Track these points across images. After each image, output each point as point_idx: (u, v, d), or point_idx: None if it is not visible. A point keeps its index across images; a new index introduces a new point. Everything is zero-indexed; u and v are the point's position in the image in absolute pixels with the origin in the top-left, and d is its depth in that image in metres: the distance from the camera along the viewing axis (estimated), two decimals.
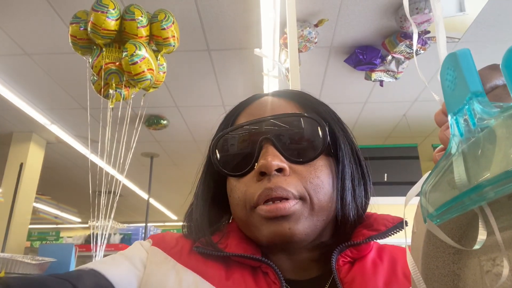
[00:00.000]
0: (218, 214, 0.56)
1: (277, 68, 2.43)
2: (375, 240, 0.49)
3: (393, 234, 0.49)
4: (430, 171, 0.28)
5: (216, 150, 0.52)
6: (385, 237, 0.49)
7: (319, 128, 0.49)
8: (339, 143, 0.51)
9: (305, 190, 0.46)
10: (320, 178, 0.48)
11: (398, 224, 0.49)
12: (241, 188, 0.49)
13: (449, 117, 0.26)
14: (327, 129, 0.49)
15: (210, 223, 0.54)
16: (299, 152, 0.48)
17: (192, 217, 0.55)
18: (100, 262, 0.47)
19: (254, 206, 0.47)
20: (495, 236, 0.25)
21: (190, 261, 0.49)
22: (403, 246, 0.51)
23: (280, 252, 0.50)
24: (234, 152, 0.51)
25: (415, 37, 0.48)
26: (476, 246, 0.26)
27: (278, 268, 0.47)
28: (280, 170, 0.46)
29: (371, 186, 0.54)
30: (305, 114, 0.51)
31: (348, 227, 0.50)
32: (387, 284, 0.46)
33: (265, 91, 2.95)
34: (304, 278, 0.49)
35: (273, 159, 0.46)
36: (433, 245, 0.30)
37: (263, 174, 0.47)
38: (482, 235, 0.26)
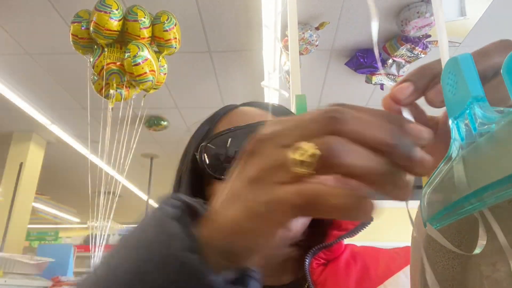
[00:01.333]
0: None
1: (277, 72, 2.43)
2: (345, 239, 0.51)
3: (362, 230, 0.51)
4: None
5: (205, 155, 0.52)
6: (354, 235, 0.50)
7: None
8: None
9: None
10: None
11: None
12: None
13: (450, 122, 0.26)
14: None
15: None
16: None
17: None
18: None
19: None
20: (496, 241, 0.25)
21: None
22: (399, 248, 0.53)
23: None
24: (223, 156, 0.52)
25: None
26: (476, 251, 0.26)
27: None
28: None
29: None
30: None
31: (321, 228, 0.52)
32: (359, 282, 0.47)
33: (265, 93, 2.93)
34: (280, 284, 0.50)
35: None
36: (432, 249, 0.30)
37: None
38: (482, 240, 0.26)
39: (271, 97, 2.74)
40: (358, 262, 0.51)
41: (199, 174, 0.53)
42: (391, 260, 0.51)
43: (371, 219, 0.46)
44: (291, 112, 0.58)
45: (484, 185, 0.21)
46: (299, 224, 0.47)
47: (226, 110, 0.58)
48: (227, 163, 0.51)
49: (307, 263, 0.48)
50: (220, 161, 0.52)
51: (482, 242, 0.26)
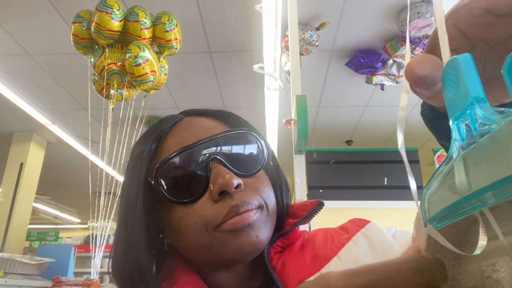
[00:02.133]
0: (152, 254, 0.53)
1: (278, 72, 2.43)
2: (300, 225, 0.53)
3: (315, 215, 0.54)
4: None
5: (161, 180, 0.49)
6: (309, 221, 0.53)
7: (258, 141, 0.53)
8: (268, 152, 0.55)
9: (262, 200, 0.49)
10: (267, 187, 0.51)
11: (317, 206, 0.54)
12: (197, 213, 0.47)
13: (451, 122, 0.26)
14: (263, 142, 0.53)
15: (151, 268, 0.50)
16: (245, 166, 0.50)
17: (132, 266, 0.48)
18: None
19: (218, 225, 0.46)
20: (496, 241, 0.25)
21: None
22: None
23: (223, 269, 0.51)
24: (180, 178, 0.49)
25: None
26: (477, 252, 0.26)
27: (224, 287, 0.50)
28: (237, 186, 0.47)
29: (289, 189, 0.59)
30: (244, 130, 0.52)
31: (278, 218, 0.54)
32: (314, 259, 0.49)
33: (266, 93, 2.92)
34: None
35: (231, 177, 0.46)
36: (433, 250, 0.30)
37: (222, 194, 0.47)
38: (482, 241, 0.26)
39: (271, 95, 2.74)
40: (311, 243, 0.53)
41: (154, 199, 0.50)
42: (340, 235, 0.53)
43: (323, 204, 0.53)
44: (240, 118, 0.57)
45: (485, 186, 0.21)
46: (268, 232, 0.49)
47: (172, 123, 0.55)
48: (185, 185, 0.49)
49: (265, 251, 0.49)
50: (178, 185, 0.49)
51: (482, 243, 0.26)
